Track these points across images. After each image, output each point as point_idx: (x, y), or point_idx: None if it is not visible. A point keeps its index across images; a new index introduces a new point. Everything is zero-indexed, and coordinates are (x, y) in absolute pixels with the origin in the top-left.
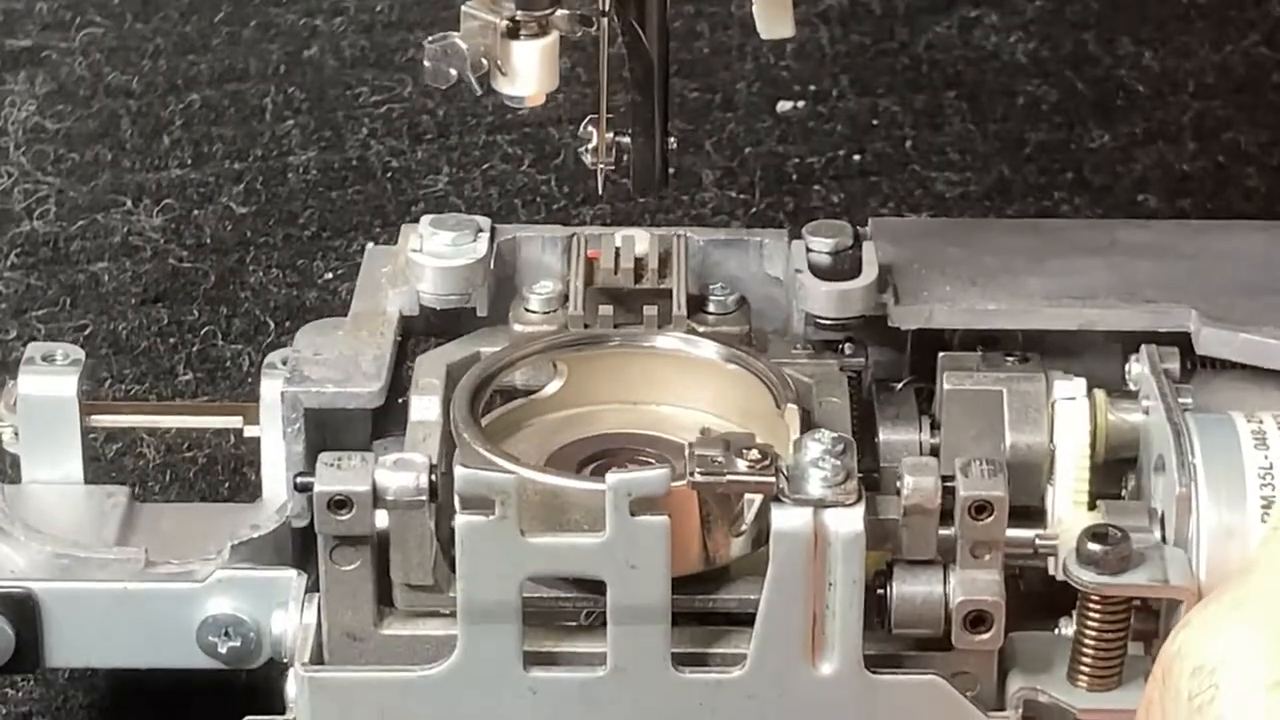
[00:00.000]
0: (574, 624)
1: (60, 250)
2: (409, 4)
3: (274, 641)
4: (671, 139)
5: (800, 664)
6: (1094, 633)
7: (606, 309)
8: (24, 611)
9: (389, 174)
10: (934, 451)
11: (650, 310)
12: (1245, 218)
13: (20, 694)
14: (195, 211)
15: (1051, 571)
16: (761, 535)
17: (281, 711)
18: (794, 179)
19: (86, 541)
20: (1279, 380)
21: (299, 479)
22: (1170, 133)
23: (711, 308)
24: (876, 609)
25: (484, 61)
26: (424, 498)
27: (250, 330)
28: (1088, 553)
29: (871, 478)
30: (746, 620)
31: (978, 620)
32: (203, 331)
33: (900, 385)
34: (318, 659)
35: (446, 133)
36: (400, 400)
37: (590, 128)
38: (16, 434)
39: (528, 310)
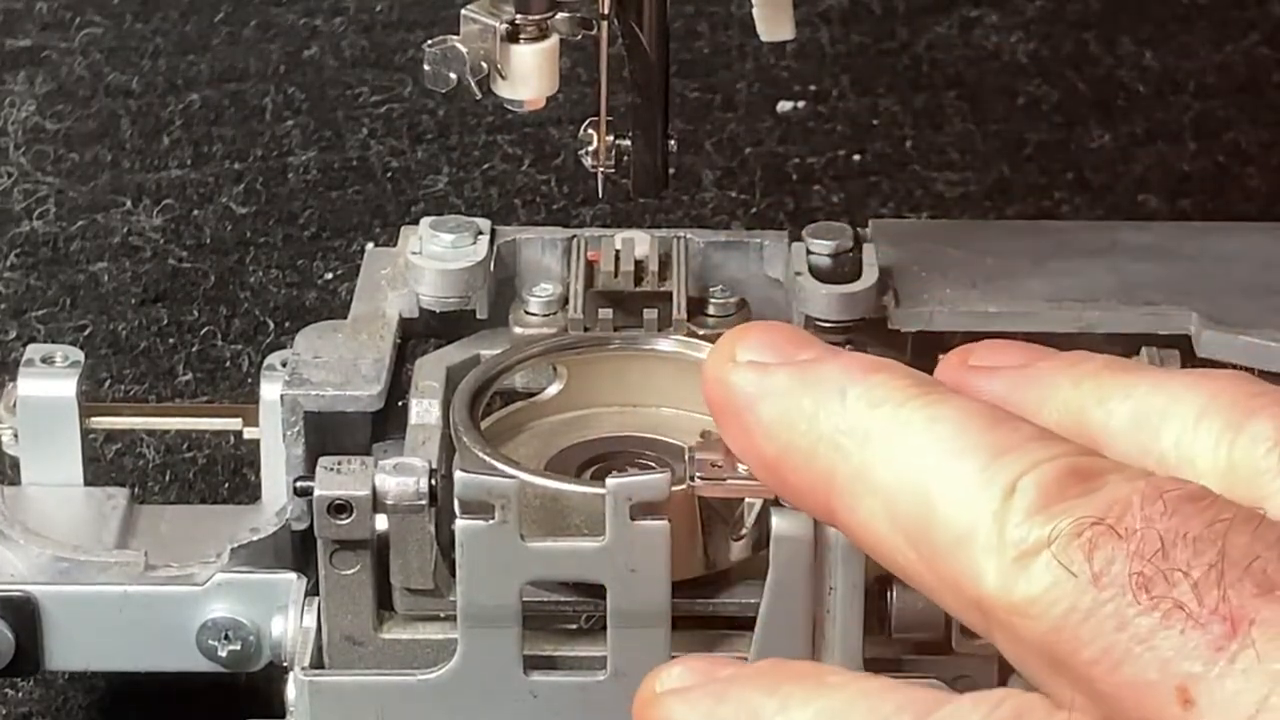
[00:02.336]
0: (574, 628)
1: (60, 250)
2: (409, 4)
3: (273, 645)
4: (672, 141)
5: None
6: None
7: (606, 312)
8: (24, 615)
9: (389, 174)
10: None
11: (650, 313)
12: (1246, 218)
13: (20, 694)
14: (195, 211)
15: None
16: (762, 539)
17: (281, 715)
18: (794, 179)
19: (86, 544)
20: None
21: (299, 483)
22: (1170, 133)
23: (712, 310)
24: (877, 613)
25: (484, 65)
26: (424, 502)
27: (250, 330)
28: None
29: None
30: (747, 624)
31: None
32: (202, 332)
33: None
34: (317, 663)
35: (446, 133)
36: (400, 403)
37: (590, 130)
38: (16, 436)
39: (528, 313)
